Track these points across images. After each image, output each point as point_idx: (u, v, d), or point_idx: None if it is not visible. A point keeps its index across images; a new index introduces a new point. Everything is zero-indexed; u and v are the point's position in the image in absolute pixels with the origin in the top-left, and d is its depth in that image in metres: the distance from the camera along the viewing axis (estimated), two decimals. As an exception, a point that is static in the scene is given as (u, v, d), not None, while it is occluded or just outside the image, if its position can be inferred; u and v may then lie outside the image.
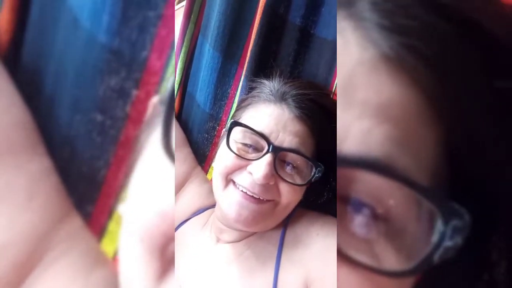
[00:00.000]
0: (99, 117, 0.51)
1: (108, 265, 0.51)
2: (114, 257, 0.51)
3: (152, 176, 0.45)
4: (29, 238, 0.47)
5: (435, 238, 0.33)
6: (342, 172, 0.34)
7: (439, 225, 0.33)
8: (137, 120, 0.51)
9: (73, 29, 0.51)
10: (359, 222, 0.34)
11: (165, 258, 0.43)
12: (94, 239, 0.52)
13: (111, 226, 0.53)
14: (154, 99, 0.50)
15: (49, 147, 0.51)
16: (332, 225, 0.68)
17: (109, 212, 0.53)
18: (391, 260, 0.34)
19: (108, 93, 0.51)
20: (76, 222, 0.51)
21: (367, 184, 0.34)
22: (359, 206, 0.34)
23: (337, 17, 0.36)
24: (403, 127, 0.33)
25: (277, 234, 0.71)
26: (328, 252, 0.64)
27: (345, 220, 0.35)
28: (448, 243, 0.33)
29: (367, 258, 0.34)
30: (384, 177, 0.32)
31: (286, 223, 0.72)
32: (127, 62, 0.50)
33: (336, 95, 0.74)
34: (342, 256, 0.34)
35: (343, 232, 0.34)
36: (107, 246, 0.52)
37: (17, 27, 0.54)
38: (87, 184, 0.52)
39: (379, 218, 0.34)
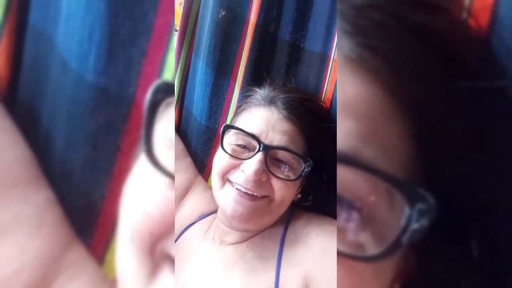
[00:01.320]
0: (91, 152, 0.53)
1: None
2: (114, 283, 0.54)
3: (139, 180, 0.48)
4: (41, 263, 0.50)
5: (402, 222, 0.35)
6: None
7: (405, 209, 0.35)
8: (128, 152, 0.54)
9: (63, 71, 0.54)
10: (343, 215, 0.36)
11: (154, 257, 0.45)
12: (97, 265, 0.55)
13: (109, 256, 0.55)
14: None
15: (47, 181, 0.55)
16: (331, 226, 0.71)
17: (107, 242, 0.55)
18: (370, 246, 0.36)
19: (98, 129, 0.53)
20: (80, 249, 0.54)
21: (342, 179, 0.35)
22: (341, 200, 0.36)
23: None
24: (367, 122, 0.35)
25: (278, 235, 0.74)
26: (327, 252, 0.66)
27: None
28: (414, 225, 0.34)
29: (345, 247, 0.36)
30: (349, 167, 0.34)
31: (286, 224, 0.75)
32: (114, 99, 0.53)
33: (325, 102, 0.76)
34: (341, 256, 0.36)
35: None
36: (107, 274, 0.55)
37: (12, 71, 0.57)
38: (84, 216, 0.54)
39: (355, 208, 0.36)
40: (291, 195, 0.73)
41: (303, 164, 0.70)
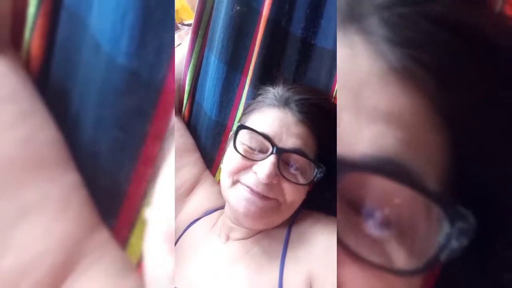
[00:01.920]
0: (120, 135, 0.54)
1: (135, 272, 0.54)
2: (137, 267, 0.54)
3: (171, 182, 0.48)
4: (65, 246, 0.50)
5: (441, 239, 0.35)
6: (351, 176, 0.35)
7: (445, 227, 0.34)
8: (156, 137, 0.54)
9: (95, 53, 0.54)
10: (370, 226, 0.36)
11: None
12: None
13: (133, 239, 0.55)
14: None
15: (74, 163, 0.55)
16: (336, 225, 0.71)
17: (131, 225, 0.55)
18: (400, 259, 0.35)
19: (128, 113, 0.53)
20: (105, 232, 0.54)
21: (378, 188, 0.35)
22: (369, 210, 0.36)
23: (347, 31, 0.37)
24: (413, 133, 0.35)
25: (283, 233, 0.74)
26: (331, 251, 0.67)
27: (355, 225, 0.36)
28: (454, 244, 0.34)
29: (378, 258, 0.35)
30: (394, 180, 0.34)
31: (291, 223, 0.75)
32: (145, 83, 0.53)
33: (336, 100, 0.77)
34: (346, 257, 0.35)
35: (353, 235, 0.36)
36: (130, 258, 0.55)
37: (46, 52, 0.57)
38: (109, 199, 0.54)
39: (389, 220, 0.36)
40: (300, 198, 0.74)
41: (315, 170, 0.70)
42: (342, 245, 0.35)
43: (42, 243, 0.50)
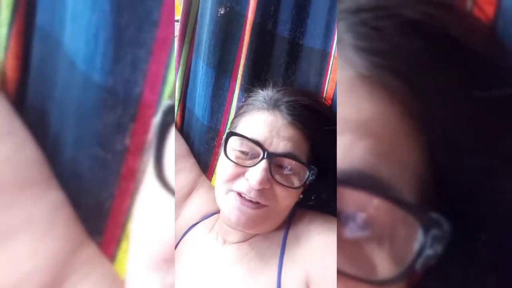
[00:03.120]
0: (100, 152, 0.54)
1: (124, 286, 0.54)
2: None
3: (152, 204, 0.48)
4: (53, 264, 0.51)
5: (415, 247, 0.35)
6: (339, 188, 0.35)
7: (419, 235, 0.34)
8: (136, 152, 0.54)
9: (70, 72, 0.54)
10: (350, 231, 0.36)
11: (166, 282, 0.46)
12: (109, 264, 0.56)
13: (120, 255, 0.55)
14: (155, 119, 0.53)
15: (56, 182, 0.55)
16: (332, 224, 0.71)
17: (117, 241, 0.55)
18: (382, 269, 0.36)
19: (107, 129, 0.53)
20: (92, 248, 0.55)
21: (352, 199, 0.35)
22: (348, 218, 0.36)
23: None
24: (383, 141, 0.35)
25: (280, 235, 0.74)
26: (328, 250, 0.66)
27: (343, 238, 0.36)
28: (428, 251, 0.34)
29: (358, 270, 0.35)
30: (366, 192, 0.34)
31: (288, 224, 0.75)
32: (122, 99, 0.53)
33: (327, 99, 0.77)
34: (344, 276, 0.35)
35: (343, 247, 0.36)
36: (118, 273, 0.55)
37: (21, 73, 0.57)
38: (94, 216, 0.55)
39: (366, 230, 0.35)
40: (293, 202, 0.74)
41: (308, 172, 0.70)
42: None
43: (29, 263, 0.50)
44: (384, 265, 0.36)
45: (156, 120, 0.46)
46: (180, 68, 0.99)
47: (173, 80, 0.54)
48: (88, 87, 0.53)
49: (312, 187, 0.75)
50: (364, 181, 0.34)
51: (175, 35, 0.95)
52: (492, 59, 0.38)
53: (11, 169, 0.52)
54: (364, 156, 0.34)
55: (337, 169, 0.35)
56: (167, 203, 0.47)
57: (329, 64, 0.81)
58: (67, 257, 0.52)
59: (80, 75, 0.53)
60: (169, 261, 0.47)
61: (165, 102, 0.49)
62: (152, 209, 0.49)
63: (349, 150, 0.34)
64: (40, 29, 0.56)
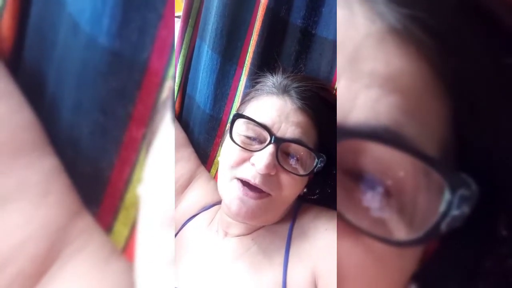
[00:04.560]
0: (101, 118, 0.51)
1: (121, 257, 0.52)
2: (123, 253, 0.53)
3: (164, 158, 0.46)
4: (47, 233, 0.48)
5: (442, 207, 0.33)
6: (347, 144, 0.34)
7: (446, 195, 0.33)
8: (140, 120, 0.52)
9: (74, 33, 0.51)
10: (369, 195, 0.34)
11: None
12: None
13: (117, 226, 0.53)
14: (170, 83, 0.51)
15: (53, 148, 0.52)
16: None
17: (115, 212, 0.53)
18: (399, 230, 0.34)
19: (110, 95, 0.51)
20: (88, 219, 0.52)
21: (375, 156, 0.34)
22: (369, 180, 0.34)
23: None
24: (411, 98, 0.33)
25: (285, 229, 0.72)
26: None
27: (352, 194, 0.35)
28: (455, 212, 0.33)
29: (378, 229, 0.34)
30: (392, 147, 0.33)
31: (294, 218, 0.73)
32: (128, 64, 0.50)
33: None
34: (345, 229, 0.34)
35: (350, 205, 0.35)
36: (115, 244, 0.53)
37: (18, 33, 0.54)
38: (91, 185, 0.52)
39: (388, 189, 0.34)
40: (298, 191, 0.71)
41: (316, 160, 0.67)
42: (341, 219, 0.34)
43: (23, 231, 0.48)
44: (400, 227, 0.35)
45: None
46: (182, 52, 0.95)
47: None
48: (92, 49, 0.51)
49: (316, 180, 0.73)
50: (389, 136, 0.33)
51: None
52: None
53: (4, 133, 0.49)
54: (391, 111, 0.33)
55: (360, 125, 0.33)
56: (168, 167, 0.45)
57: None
58: (62, 227, 0.50)
59: (84, 36, 0.51)
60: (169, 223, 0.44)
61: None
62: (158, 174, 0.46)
63: (376, 104, 0.33)
64: (40, -14, 0.54)
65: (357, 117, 0.33)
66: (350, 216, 0.34)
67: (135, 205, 0.53)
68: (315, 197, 0.76)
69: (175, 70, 0.96)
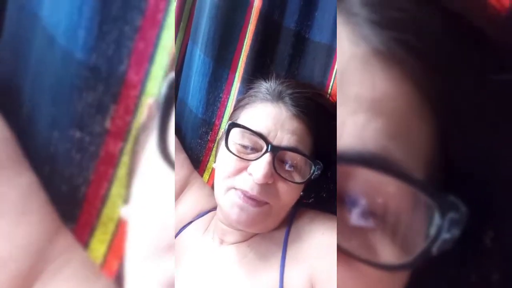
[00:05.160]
0: (77, 134, 0.51)
1: (101, 274, 0.51)
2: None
3: (152, 182, 0.45)
4: (28, 251, 0.48)
5: (432, 231, 0.34)
6: (341, 169, 0.34)
7: (436, 218, 0.33)
8: (117, 134, 0.51)
9: (49, 47, 0.51)
10: (356, 217, 0.34)
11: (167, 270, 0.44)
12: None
13: (94, 243, 0.52)
14: (150, 101, 0.50)
15: (29, 165, 0.51)
16: (335, 224, 0.68)
17: (91, 229, 0.52)
18: (388, 254, 0.34)
19: (86, 109, 0.50)
20: (68, 235, 0.52)
21: (364, 180, 0.34)
22: (355, 201, 0.34)
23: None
24: (397, 121, 0.33)
25: (281, 234, 0.71)
26: (333, 250, 0.63)
27: (343, 216, 0.35)
28: (445, 235, 0.33)
29: (365, 253, 0.34)
30: (380, 172, 0.32)
31: (289, 223, 0.72)
32: (104, 78, 0.50)
33: (332, 96, 0.74)
34: (342, 252, 0.34)
35: (343, 227, 0.35)
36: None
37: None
38: (67, 202, 0.51)
39: (375, 213, 0.34)
40: (295, 197, 0.70)
41: (313, 167, 0.67)
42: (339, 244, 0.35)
43: (3, 250, 0.47)
44: (387, 251, 0.35)
45: (162, 92, 0.44)
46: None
47: (161, 61, 0.51)
48: (68, 63, 0.50)
49: (312, 185, 0.72)
50: (377, 161, 0.33)
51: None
52: (507, 45, 0.36)
53: None
54: (377, 137, 0.33)
55: (348, 150, 0.33)
56: (167, 185, 0.44)
57: (335, 60, 0.77)
58: (43, 245, 0.49)
59: (59, 50, 0.51)
60: (169, 248, 0.43)
61: (169, 75, 0.46)
62: (151, 194, 0.45)
63: (362, 130, 0.33)
64: (14, 1, 0.53)
65: (345, 142, 0.33)
66: (340, 239, 0.34)
67: (113, 221, 0.52)
68: (310, 201, 0.75)
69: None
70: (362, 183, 0.34)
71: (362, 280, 0.35)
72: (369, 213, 0.34)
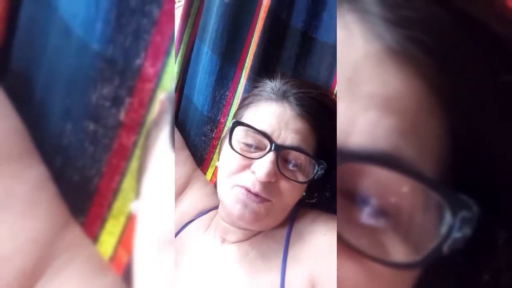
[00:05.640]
0: (91, 126, 0.50)
1: (109, 269, 0.51)
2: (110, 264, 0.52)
3: (163, 177, 0.45)
4: (35, 245, 0.47)
5: (443, 229, 0.34)
6: (346, 167, 0.34)
7: (447, 217, 0.33)
8: (131, 128, 0.51)
9: (65, 37, 0.50)
10: (366, 216, 0.34)
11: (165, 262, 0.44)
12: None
13: (104, 236, 0.52)
14: (162, 97, 0.50)
15: (40, 156, 0.51)
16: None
17: (102, 222, 0.52)
18: (399, 252, 0.34)
19: (101, 102, 0.50)
20: (76, 229, 0.51)
21: (374, 178, 0.34)
22: (366, 201, 0.34)
23: (340, 11, 0.36)
24: (409, 119, 0.33)
25: (283, 234, 0.71)
26: (334, 251, 0.64)
27: (351, 215, 0.35)
28: (456, 234, 0.33)
29: (375, 251, 0.34)
30: (392, 170, 0.32)
31: (291, 222, 0.72)
32: (120, 70, 0.50)
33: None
34: (345, 250, 0.34)
35: (349, 226, 0.35)
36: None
37: (6, 36, 0.53)
38: (79, 194, 0.51)
39: (386, 212, 0.34)
40: (298, 196, 0.71)
41: (316, 167, 0.67)
42: (340, 239, 0.34)
43: (10, 244, 0.46)
44: (398, 249, 0.35)
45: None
46: (180, 52, 0.94)
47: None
48: (84, 54, 0.50)
49: (315, 184, 0.72)
50: (388, 159, 0.33)
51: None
52: None
53: None
54: (389, 135, 0.33)
55: (359, 148, 0.33)
56: (169, 181, 0.44)
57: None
58: (51, 238, 0.49)
59: (76, 41, 0.50)
60: (169, 243, 0.44)
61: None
62: (159, 189, 0.45)
63: (374, 128, 0.33)
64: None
65: (356, 140, 0.33)
66: (350, 237, 0.34)
67: (124, 214, 0.52)
68: (313, 201, 0.76)
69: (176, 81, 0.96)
70: (373, 181, 0.34)
71: (370, 278, 0.34)
72: (379, 212, 0.34)
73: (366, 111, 0.33)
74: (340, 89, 0.34)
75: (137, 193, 0.49)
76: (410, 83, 0.33)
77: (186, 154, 0.92)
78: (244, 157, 0.67)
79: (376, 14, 0.34)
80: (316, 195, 0.76)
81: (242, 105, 0.76)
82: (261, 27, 0.84)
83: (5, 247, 0.46)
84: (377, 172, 0.33)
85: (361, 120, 0.33)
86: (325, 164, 0.67)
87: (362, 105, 0.33)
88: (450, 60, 0.34)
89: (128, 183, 0.52)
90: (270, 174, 0.64)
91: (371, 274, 0.34)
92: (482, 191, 0.34)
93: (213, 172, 0.91)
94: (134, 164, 0.51)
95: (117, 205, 0.52)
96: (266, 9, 0.83)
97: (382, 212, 0.34)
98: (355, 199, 0.35)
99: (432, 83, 0.34)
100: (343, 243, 0.34)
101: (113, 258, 0.53)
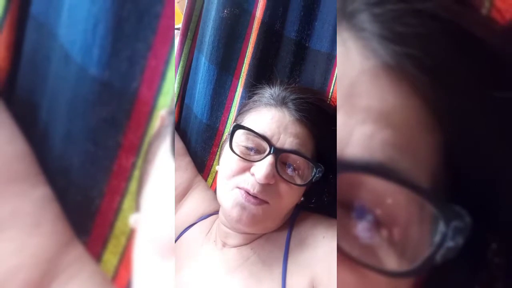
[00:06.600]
0: (92, 148, 0.52)
1: (112, 287, 0.53)
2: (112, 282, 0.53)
3: (164, 185, 0.46)
4: (39, 262, 0.49)
5: (437, 239, 0.34)
6: (344, 177, 0.35)
7: (440, 227, 0.34)
8: (130, 149, 0.52)
9: (65, 64, 0.52)
10: (362, 226, 0.35)
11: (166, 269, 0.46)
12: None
13: (106, 255, 0.54)
14: (162, 112, 0.52)
15: (44, 177, 0.53)
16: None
17: (104, 241, 0.54)
18: (393, 260, 0.35)
19: (100, 124, 0.52)
20: (79, 247, 0.53)
21: (369, 189, 0.35)
22: (362, 211, 0.35)
23: (338, 28, 0.37)
24: (404, 133, 0.34)
25: (283, 238, 0.72)
26: (334, 255, 0.65)
27: (348, 225, 0.36)
28: (449, 243, 0.34)
29: (370, 259, 0.35)
30: (386, 180, 0.33)
31: (291, 226, 0.74)
32: (118, 93, 0.51)
33: (332, 101, 0.75)
34: (344, 258, 0.35)
35: (346, 235, 0.36)
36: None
37: (12, 64, 0.55)
38: (82, 214, 0.53)
39: (381, 221, 0.35)
40: (295, 199, 0.72)
41: (314, 170, 0.69)
42: (340, 248, 0.35)
43: (15, 259, 0.48)
44: (391, 257, 0.35)
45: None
46: (181, 64, 0.97)
47: (172, 77, 0.52)
48: (83, 80, 0.52)
49: (313, 188, 0.74)
50: (384, 170, 0.34)
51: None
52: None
53: None
54: (384, 147, 0.34)
55: (355, 159, 0.34)
56: (169, 187, 0.46)
57: (335, 67, 0.80)
58: (54, 256, 0.50)
59: (75, 67, 0.52)
60: (170, 250, 0.45)
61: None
62: (157, 199, 0.47)
63: (370, 140, 0.34)
64: (34, 18, 0.55)
65: (353, 151, 0.34)
66: (347, 246, 0.35)
67: (125, 234, 0.54)
68: (312, 205, 0.77)
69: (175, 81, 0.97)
70: (367, 192, 0.35)
71: (365, 286, 0.35)
72: (375, 221, 0.35)
73: (363, 124, 0.34)
74: (340, 102, 0.35)
75: (136, 211, 0.51)
76: (406, 99, 0.35)
77: (187, 160, 0.95)
78: (244, 160, 0.69)
79: (371, 31, 0.35)
80: (314, 199, 0.77)
81: (243, 111, 0.77)
82: (255, 38, 0.86)
83: (11, 262, 0.48)
84: (372, 181, 0.34)
85: (357, 132, 0.34)
86: (322, 168, 0.68)
87: (359, 118, 0.34)
88: (444, 75, 0.34)
89: (128, 203, 0.53)
90: (269, 176, 0.66)
91: (369, 282, 0.35)
92: (476, 203, 0.35)
93: (214, 178, 0.93)
94: (133, 184, 0.53)
95: (118, 225, 0.53)
96: (259, 21, 0.86)
97: (377, 221, 0.35)
98: (352, 208, 0.36)
99: (426, 98, 0.35)
100: (341, 252, 0.35)
101: (116, 276, 0.54)
